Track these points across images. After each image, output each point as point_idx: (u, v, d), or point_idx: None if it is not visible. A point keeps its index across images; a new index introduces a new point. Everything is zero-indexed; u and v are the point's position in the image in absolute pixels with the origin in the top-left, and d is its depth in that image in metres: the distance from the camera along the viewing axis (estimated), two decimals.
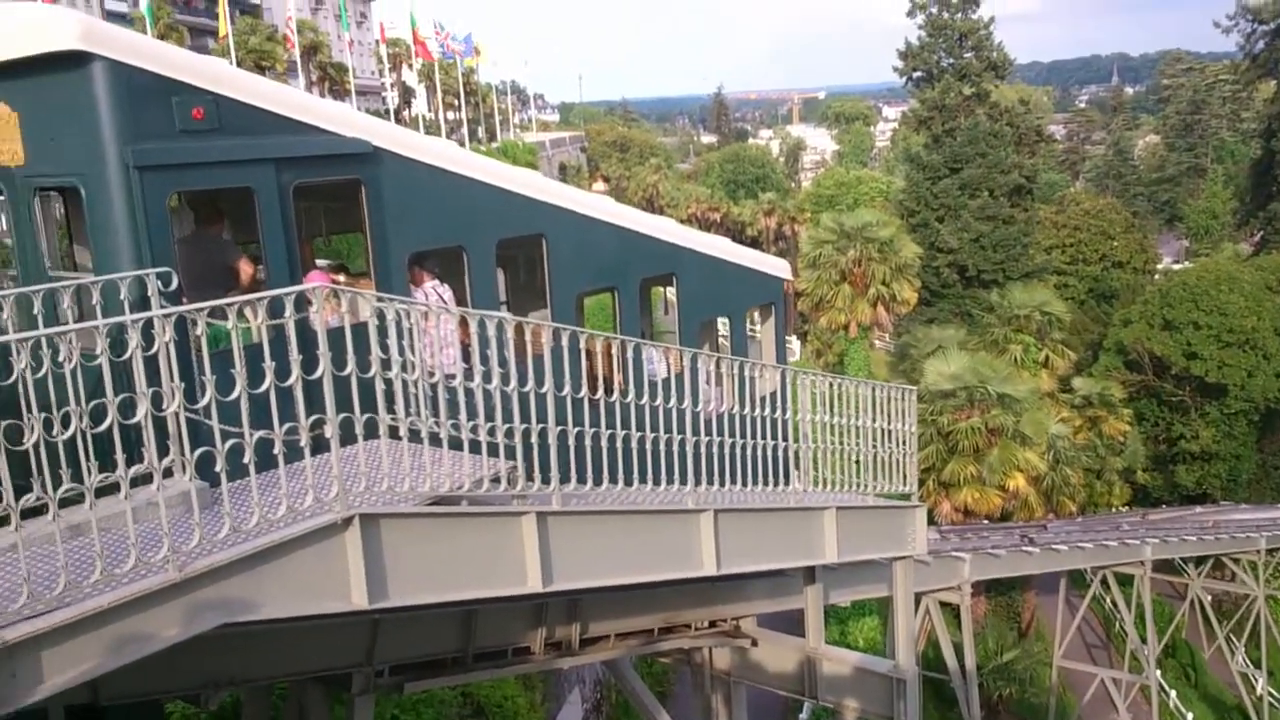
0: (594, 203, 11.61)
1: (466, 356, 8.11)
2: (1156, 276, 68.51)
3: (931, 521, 31.97)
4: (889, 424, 12.46)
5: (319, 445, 6.29)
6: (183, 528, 5.74)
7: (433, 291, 9.62)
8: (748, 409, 10.08)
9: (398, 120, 79.22)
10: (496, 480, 7.53)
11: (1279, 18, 67.41)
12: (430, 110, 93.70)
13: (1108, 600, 37.91)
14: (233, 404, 5.82)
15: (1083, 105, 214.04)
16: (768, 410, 10.38)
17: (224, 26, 52.80)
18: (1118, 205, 79.72)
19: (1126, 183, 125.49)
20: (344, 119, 8.87)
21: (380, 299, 6.92)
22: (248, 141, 7.96)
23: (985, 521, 34.35)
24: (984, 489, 33.23)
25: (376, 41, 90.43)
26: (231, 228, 8.98)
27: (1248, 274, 51.85)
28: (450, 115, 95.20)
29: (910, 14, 63.83)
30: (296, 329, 6.12)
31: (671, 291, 13.17)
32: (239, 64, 55.66)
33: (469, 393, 7.28)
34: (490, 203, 9.94)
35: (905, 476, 12.86)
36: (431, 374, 7.20)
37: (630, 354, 8.55)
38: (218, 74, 7.95)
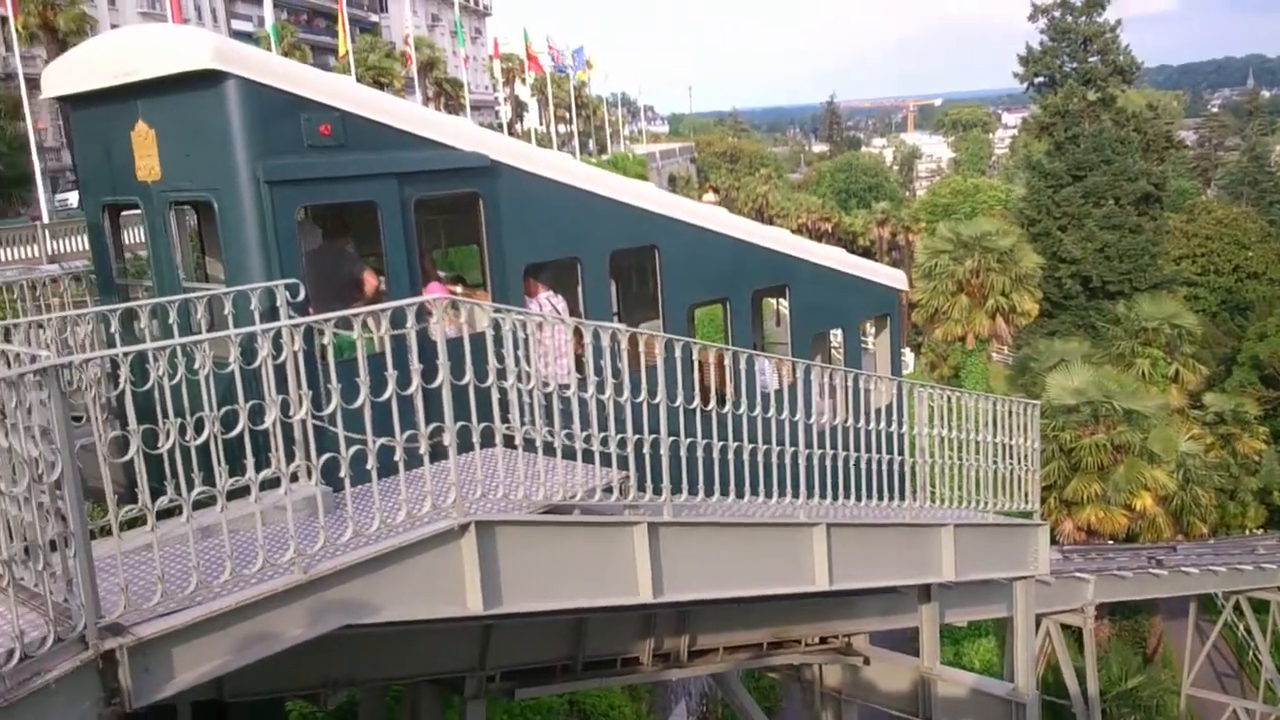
0: (706, 213, 11.59)
1: (580, 367, 8.18)
2: None
3: (1053, 541, 31.03)
4: (1010, 439, 12.12)
5: (437, 453, 6.41)
6: (308, 531, 5.89)
7: (547, 302, 9.68)
8: (862, 422, 9.91)
9: (510, 133, 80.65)
10: (608, 490, 7.56)
11: None
12: (542, 123, 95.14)
13: (1241, 627, 36.24)
14: (355, 411, 5.97)
15: (1215, 110, 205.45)
16: (882, 424, 10.19)
17: (344, 45, 54.28)
18: (1253, 214, 76.19)
19: (1263, 190, 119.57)
20: (462, 133, 9.02)
21: (498, 310, 7.02)
22: (371, 157, 8.12)
23: (1110, 542, 33.22)
24: (1109, 508, 32.15)
25: (490, 57, 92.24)
26: (354, 240, 9.21)
27: None
28: (561, 128, 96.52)
29: (1032, 18, 62.25)
30: (416, 339, 6.26)
31: (781, 303, 13.08)
32: (358, 80, 57.41)
33: (582, 402, 7.34)
34: (604, 214, 10.00)
35: (1027, 494, 12.49)
36: (546, 384, 7.28)
37: (743, 365, 8.50)
38: (343, 91, 8.19)
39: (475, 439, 6.63)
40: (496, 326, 6.90)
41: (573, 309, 9.95)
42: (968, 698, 12.98)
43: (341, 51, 54.91)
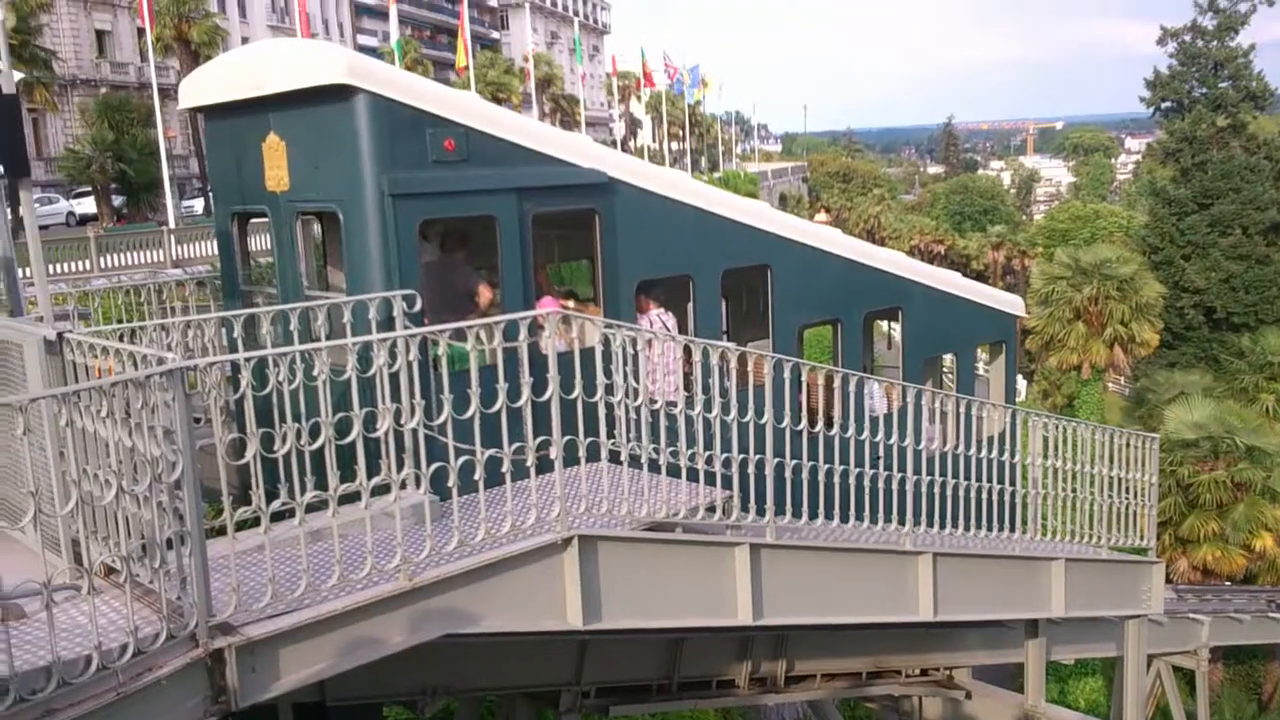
0: (820, 234, 11.55)
1: (688, 385, 8.12)
2: None
3: (1167, 580, 29.87)
4: (1127, 473, 11.70)
5: (543, 465, 6.43)
6: (414, 538, 5.94)
7: (658, 319, 9.67)
8: (972, 449, 9.64)
9: (623, 149, 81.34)
10: (712, 509, 7.49)
11: None
12: (655, 140, 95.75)
13: None
14: (465, 422, 6.02)
15: None
16: (994, 452, 9.90)
17: (462, 58, 54.71)
18: None
19: None
20: (581, 149, 9.12)
21: (608, 325, 7.02)
22: (493, 172, 8.23)
23: (1227, 583, 31.88)
24: (1226, 548, 30.89)
25: (607, 74, 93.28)
26: (471, 252, 9.30)
27: None
28: (674, 145, 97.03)
29: (1160, 42, 60.49)
30: (527, 353, 6.30)
31: (894, 325, 12.86)
32: (477, 95, 58.42)
33: (687, 420, 7.29)
34: (718, 233, 9.99)
35: (1142, 530, 12.04)
36: (653, 401, 7.25)
37: (851, 387, 8.35)
38: (468, 107, 8.32)
39: (581, 453, 6.63)
40: (606, 342, 6.90)
41: (683, 327, 9.90)
42: None
43: (460, 65, 55.66)
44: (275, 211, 8.47)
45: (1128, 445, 11.80)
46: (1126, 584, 12.06)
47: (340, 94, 7.54)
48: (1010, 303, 14.30)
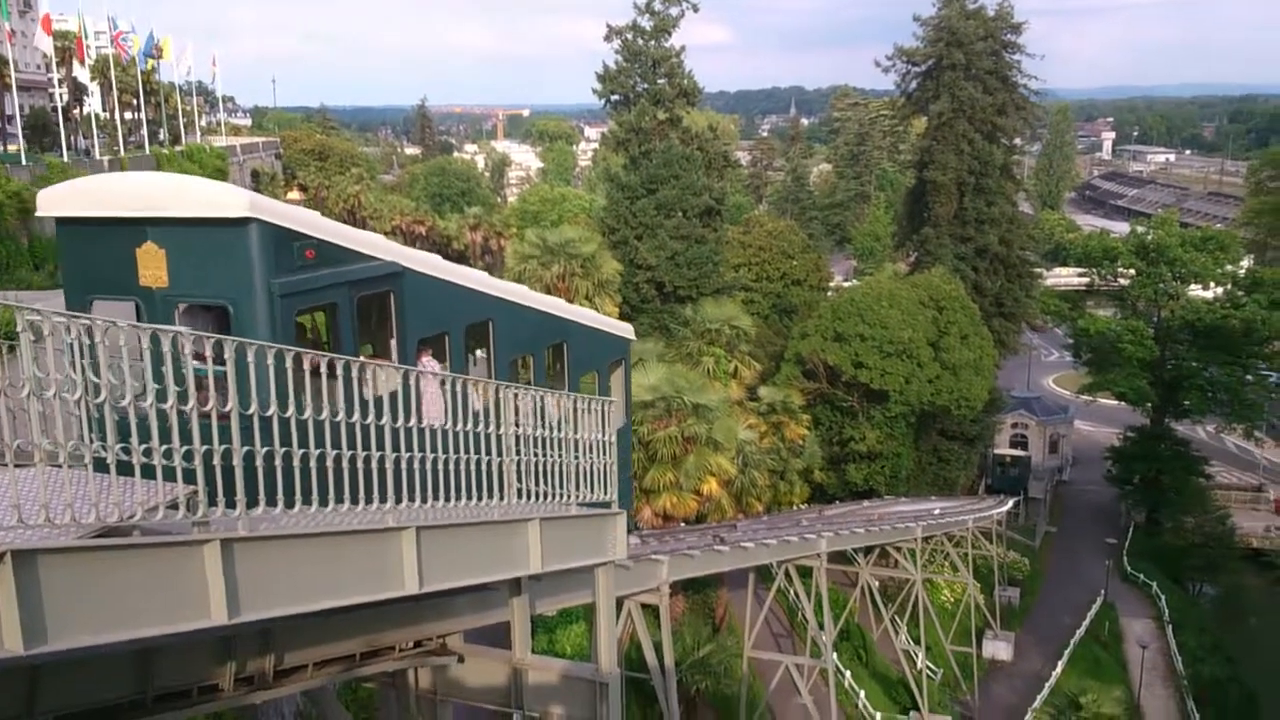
0: (520, 292, 15.18)
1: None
2: (829, 293, 74.52)
3: (635, 528, 33.08)
4: (590, 435, 12.77)
5: None
6: None
7: (428, 364, 12.14)
8: (457, 425, 10.09)
9: (68, 120, 72.39)
10: (174, 507, 7.04)
11: (929, 60, 74.61)
12: (106, 110, 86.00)
13: (791, 592, 40.66)
14: None
15: (765, 134, 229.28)
16: (473, 425, 10.39)
17: None
18: (796, 227, 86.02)
19: (803, 206, 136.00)
20: (383, 247, 11.91)
21: (39, 312, 6.29)
22: (334, 271, 10.86)
23: (682, 524, 35.91)
24: (681, 494, 34.74)
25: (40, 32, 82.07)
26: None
27: (904, 291, 57.53)
28: (128, 115, 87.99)
29: (608, 38, 65.45)
30: None
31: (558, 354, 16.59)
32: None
33: (144, 414, 6.79)
34: (461, 299, 13.36)
35: (606, 485, 13.21)
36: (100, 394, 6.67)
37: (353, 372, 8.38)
38: (319, 224, 10.88)
39: (8, 459, 5.90)
40: (36, 331, 6.19)
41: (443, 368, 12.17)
42: (558, 683, 13.55)
43: None
44: (149, 302, 10.13)
45: (589, 410, 12.87)
46: (595, 536, 13.17)
47: (239, 222, 9.72)
48: (625, 329, 19.50)
